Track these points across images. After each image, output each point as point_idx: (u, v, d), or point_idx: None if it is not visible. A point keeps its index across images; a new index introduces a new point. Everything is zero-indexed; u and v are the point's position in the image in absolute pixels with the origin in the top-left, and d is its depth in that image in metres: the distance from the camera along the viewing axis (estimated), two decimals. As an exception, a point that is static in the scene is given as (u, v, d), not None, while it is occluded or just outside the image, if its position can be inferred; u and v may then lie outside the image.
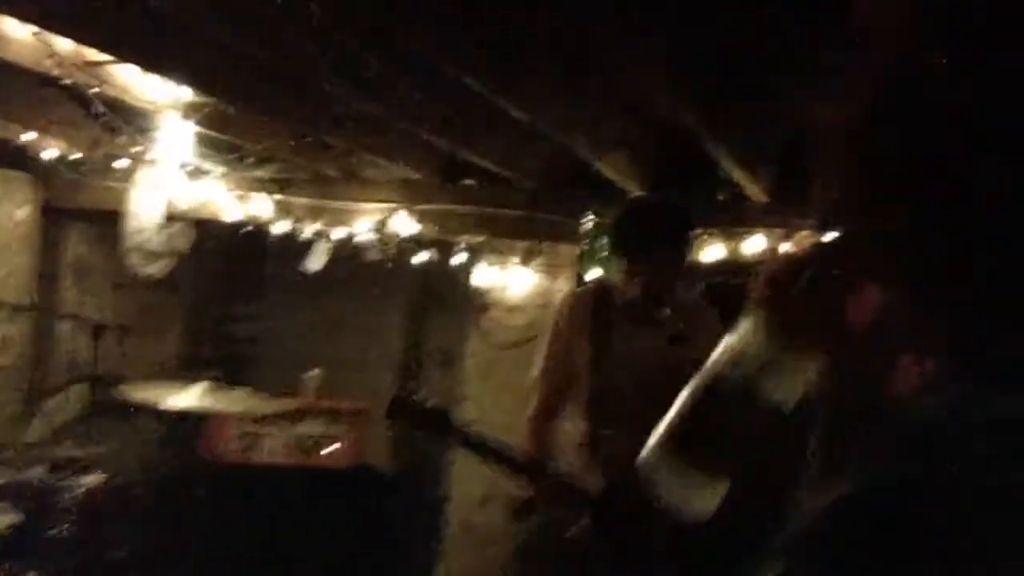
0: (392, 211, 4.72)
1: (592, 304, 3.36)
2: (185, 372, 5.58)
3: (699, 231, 4.44)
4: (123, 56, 3.16)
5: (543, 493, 3.22)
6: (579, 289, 3.61)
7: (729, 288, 4.48)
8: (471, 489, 4.68)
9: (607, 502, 3.07)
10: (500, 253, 4.68)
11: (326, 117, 3.48)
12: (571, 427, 3.30)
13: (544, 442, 3.33)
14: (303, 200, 4.85)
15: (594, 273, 4.36)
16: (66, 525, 3.63)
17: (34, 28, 2.97)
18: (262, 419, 4.83)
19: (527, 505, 3.50)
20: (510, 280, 4.71)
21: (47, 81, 3.28)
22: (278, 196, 4.81)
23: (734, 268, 4.48)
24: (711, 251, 4.50)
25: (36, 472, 4.04)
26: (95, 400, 4.29)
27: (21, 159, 4.66)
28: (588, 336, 3.29)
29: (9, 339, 5.31)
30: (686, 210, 3.34)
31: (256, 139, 4.05)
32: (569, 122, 3.45)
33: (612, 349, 3.28)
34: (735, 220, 4.41)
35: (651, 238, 3.20)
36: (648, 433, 3.50)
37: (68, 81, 3.23)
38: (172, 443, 5.96)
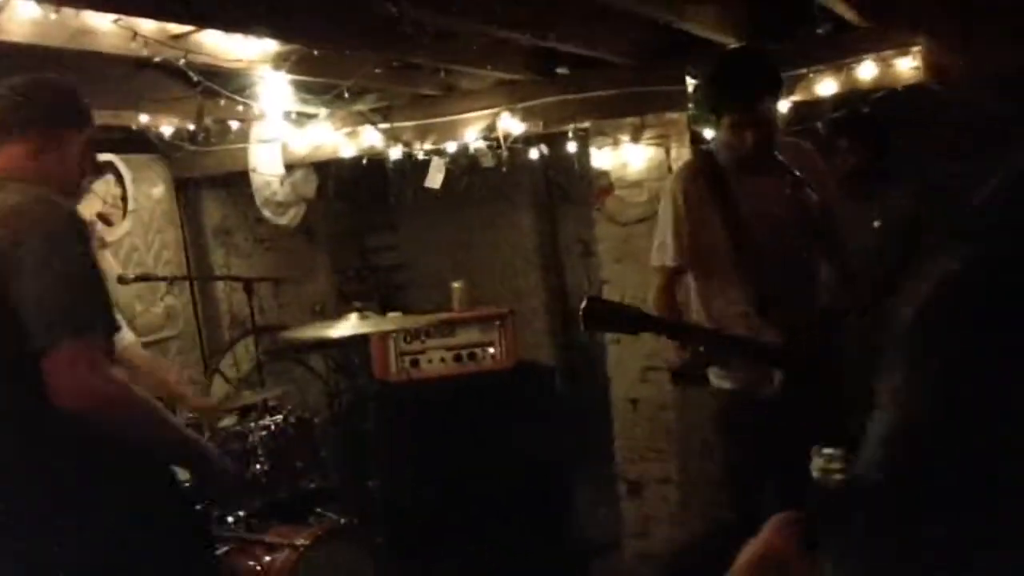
0: (495, 115, 4.75)
1: (705, 174, 3.33)
2: (339, 310, 5.83)
3: (806, 70, 4.31)
4: (202, 23, 3.26)
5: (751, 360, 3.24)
6: (684, 167, 3.56)
7: (857, 118, 4.35)
8: (630, 364, 4.76)
9: (796, 350, 3.09)
10: (608, 134, 4.65)
11: (406, 39, 3.51)
12: (723, 301, 3.30)
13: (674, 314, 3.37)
14: (408, 123, 4.93)
15: (708, 132, 4.29)
16: (260, 464, 3.88)
17: (112, 16, 3.08)
18: (416, 336, 5.01)
19: (683, 368, 3.56)
20: (624, 159, 4.68)
21: (141, 63, 3.40)
22: (384, 124, 4.90)
23: (854, 98, 4.35)
24: (824, 87, 4.36)
25: (227, 422, 4.35)
26: (261, 350, 4.54)
27: (144, 141, 4.87)
28: (713, 207, 3.26)
29: (174, 309, 5.65)
30: (768, 56, 3.32)
31: (347, 75, 4.12)
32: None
33: (740, 211, 3.25)
34: (841, 51, 4.24)
35: (751, 86, 3.15)
36: (798, 280, 3.47)
37: (159, 59, 3.35)
38: (341, 374, 6.27)
